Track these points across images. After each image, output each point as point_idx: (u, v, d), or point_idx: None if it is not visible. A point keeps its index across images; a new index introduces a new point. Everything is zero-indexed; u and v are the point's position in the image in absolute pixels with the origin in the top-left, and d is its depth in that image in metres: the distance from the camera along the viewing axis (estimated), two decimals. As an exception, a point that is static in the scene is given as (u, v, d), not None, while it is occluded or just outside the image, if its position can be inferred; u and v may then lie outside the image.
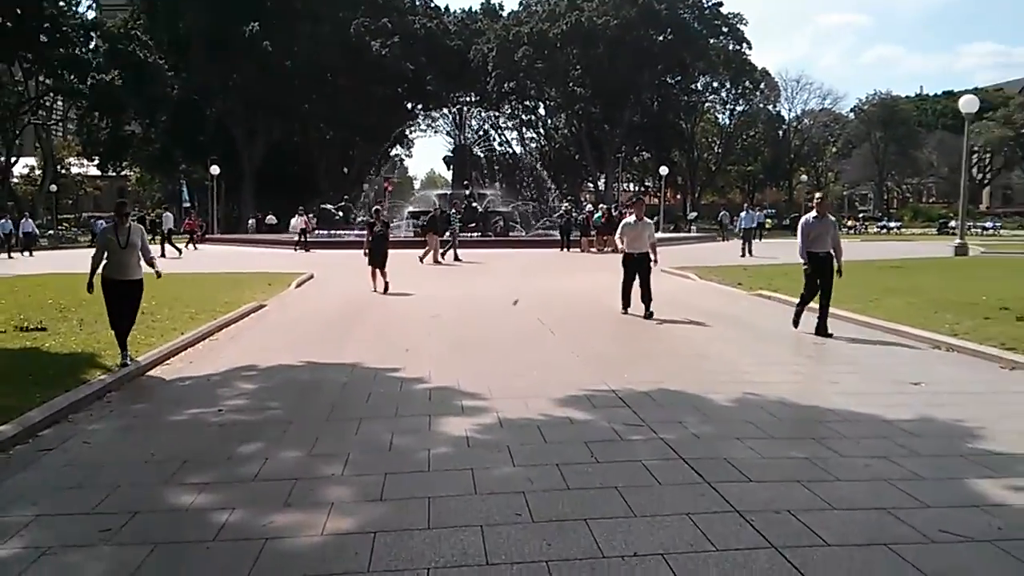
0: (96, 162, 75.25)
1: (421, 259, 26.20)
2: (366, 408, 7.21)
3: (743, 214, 31.33)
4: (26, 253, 36.69)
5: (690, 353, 9.86)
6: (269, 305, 15.43)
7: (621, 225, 13.87)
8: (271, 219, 58.98)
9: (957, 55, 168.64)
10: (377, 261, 17.77)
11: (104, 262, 9.18)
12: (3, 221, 37.71)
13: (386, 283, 17.43)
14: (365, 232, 19.28)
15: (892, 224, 64.81)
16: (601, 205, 33.51)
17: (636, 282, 13.17)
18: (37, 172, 75.66)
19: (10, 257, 34.67)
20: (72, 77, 59.65)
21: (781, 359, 9.53)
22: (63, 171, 79.33)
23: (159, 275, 9.89)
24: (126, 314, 9.29)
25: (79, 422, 6.96)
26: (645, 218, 13.63)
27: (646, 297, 13.01)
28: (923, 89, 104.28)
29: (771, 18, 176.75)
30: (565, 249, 32.39)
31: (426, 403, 7.33)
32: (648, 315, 12.68)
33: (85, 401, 7.50)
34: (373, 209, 21.03)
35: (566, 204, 37.18)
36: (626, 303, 13.35)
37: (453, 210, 29.64)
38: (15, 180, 76.52)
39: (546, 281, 20.32)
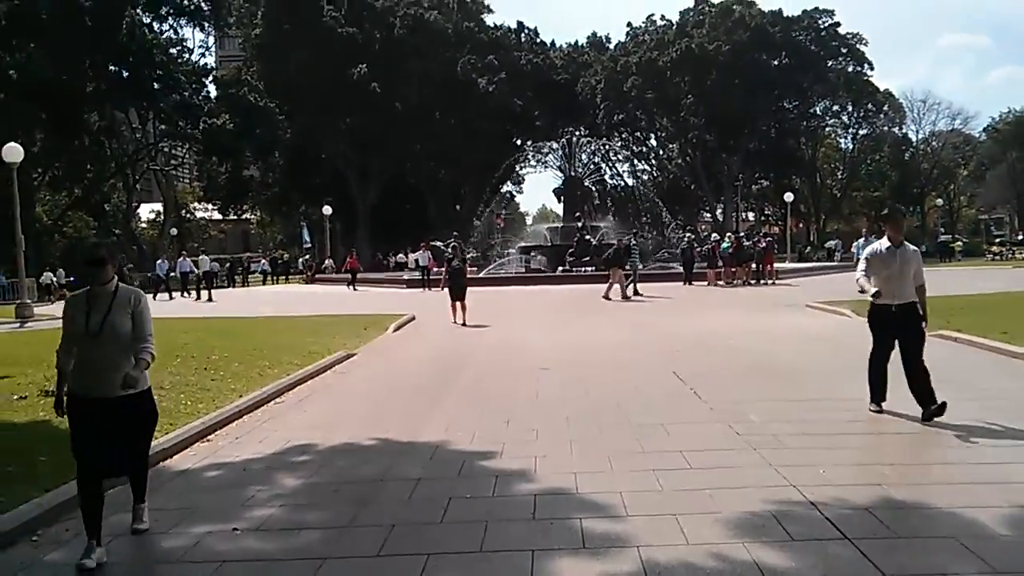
0: (218, 206, 76.60)
1: (606, 295, 24.06)
2: (439, 532, 4.88)
3: (861, 241, 26.23)
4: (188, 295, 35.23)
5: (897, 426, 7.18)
6: (358, 355, 13.44)
7: (867, 254, 8.01)
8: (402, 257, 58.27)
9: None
10: (456, 294, 18.55)
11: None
12: (181, 260, 36.55)
13: (464, 315, 18.15)
14: (444, 268, 20.23)
15: (1041, 249, 59.08)
16: (728, 234, 30.62)
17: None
18: (161, 217, 77.78)
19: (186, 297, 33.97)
20: (184, 122, 60.58)
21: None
22: (187, 215, 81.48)
23: (129, 383, 4.81)
24: (116, 455, 4.92)
25: (43, 543, 4.93)
26: (907, 243, 7.78)
27: (917, 379, 7.23)
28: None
29: (886, 42, 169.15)
30: (689, 283, 29.62)
31: (528, 525, 4.90)
32: (930, 413, 7.07)
33: (70, 506, 5.45)
34: (450, 245, 20.53)
35: (689, 234, 34.41)
36: (881, 392, 7.69)
37: (633, 241, 27.44)
38: (143, 225, 79.07)
39: (674, 321, 17.74)
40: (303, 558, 4.53)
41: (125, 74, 57.98)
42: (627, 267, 25.11)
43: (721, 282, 29.11)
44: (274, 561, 4.54)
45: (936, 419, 7.01)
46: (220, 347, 13.72)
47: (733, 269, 29.17)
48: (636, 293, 25.17)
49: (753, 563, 4.14)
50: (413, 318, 19.68)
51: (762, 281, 29.63)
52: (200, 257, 34.08)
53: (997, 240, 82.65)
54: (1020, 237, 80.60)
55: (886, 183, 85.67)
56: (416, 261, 34.55)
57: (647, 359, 11.79)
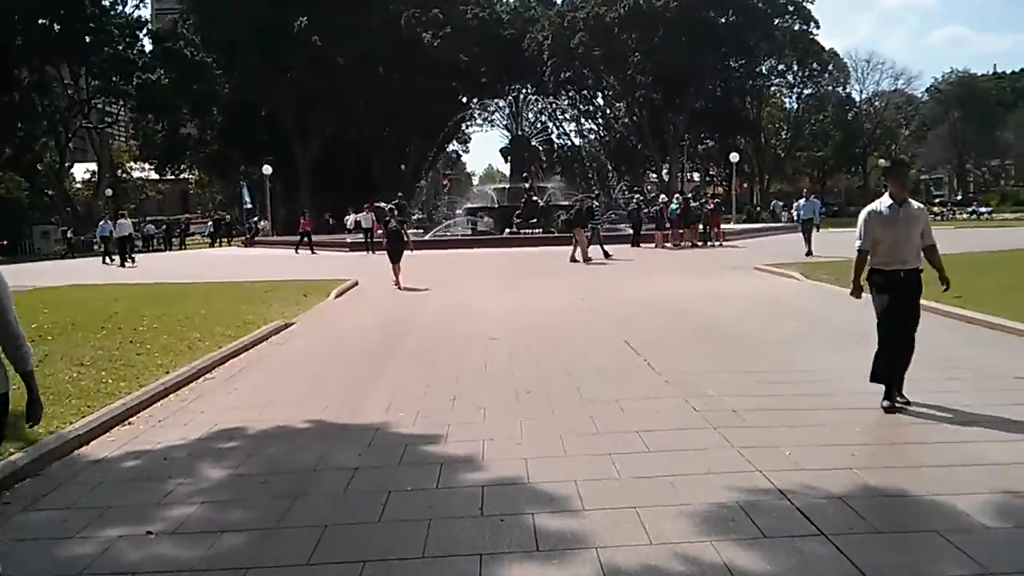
0: (154, 166, 74.26)
1: (572, 258, 23.72)
2: (377, 533, 4.40)
3: (801, 202, 25.87)
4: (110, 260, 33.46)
5: (860, 401, 6.89)
6: (297, 323, 12.84)
7: (864, 215, 6.87)
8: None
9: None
10: (393, 257, 18.66)
11: None
12: (102, 223, 35.35)
13: (399, 278, 18.24)
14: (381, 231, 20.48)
15: (983, 209, 59.90)
16: (676, 195, 30.36)
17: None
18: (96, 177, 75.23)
19: (109, 263, 32.34)
20: (118, 78, 58.31)
21: None
22: (123, 175, 78.88)
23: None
24: None
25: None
26: (912, 201, 6.78)
27: (905, 359, 6.66)
28: (996, 67, 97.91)
29: (831, 1, 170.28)
30: (636, 245, 29.38)
31: (475, 523, 4.44)
32: (894, 405, 6.48)
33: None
34: (387, 207, 20.26)
35: (637, 195, 34.08)
36: (891, 375, 6.64)
37: (595, 202, 27.30)
38: (78, 185, 76.26)
39: (621, 285, 17.44)
40: (224, 568, 4.03)
41: (55, 27, 55.52)
42: (587, 229, 24.62)
43: (669, 244, 28.92)
44: (191, 572, 4.04)
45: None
46: (150, 316, 12.98)
47: (681, 231, 28.97)
48: (606, 256, 24.92)
49: (724, 566, 3.76)
50: (356, 283, 19.08)
51: (709, 243, 29.52)
52: (120, 221, 32.24)
53: (937, 200, 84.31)
54: (959, 197, 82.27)
55: (829, 143, 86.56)
56: (358, 223, 33.48)
57: (597, 325, 11.43)
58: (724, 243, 29.59)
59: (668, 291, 15.52)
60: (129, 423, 7.07)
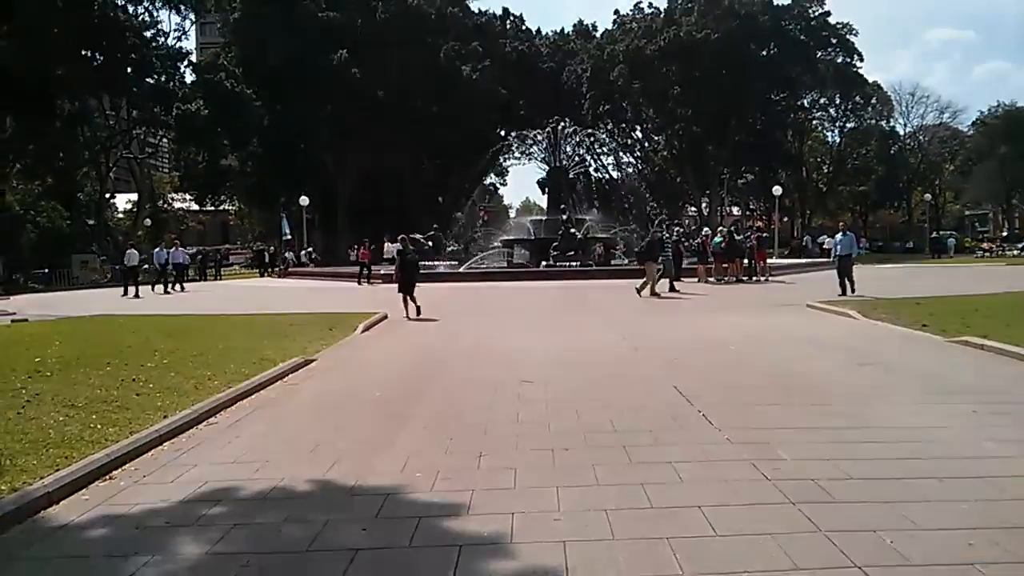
0: (194, 196, 74.66)
1: (639, 290, 22.74)
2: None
3: (839, 236, 22.95)
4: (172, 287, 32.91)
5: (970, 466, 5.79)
6: (317, 361, 11.94)
7: None
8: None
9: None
10: (406, 288, 18.45)
11: None
12: (156, 251, 34.21)
13: (418, 308, 18.10)
14: (396, 260, 20.25)
15: (1032, 246, 58.14)
16: (720, 228, 29.25)
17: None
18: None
19: (166, 291, 31.75)
20: (157, 108, 58.74)
21: None
22: (165, 206, 79.45)
23: None
24: None
25: None
26: None
27: None
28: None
29: (872, 36, 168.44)
30: (678, 279, 28.25)
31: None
32: None
33: None
34: (422, 238, 19.96)
35: (678, 227, 33.02)
36: None
37: (667, 234, 26.15)
38: (119, 215, 76.85)
39: (666, 323, 16.34)
40: None
41: (97, 57, 56.08)
42: (659, 262, 23.64)
43: (712, 278, 27.77)
44: None
45: None
46: (163, 351, 12.22)
47: (724, 265, 27.80)
48: (672, 289, 23.93)
49: None
50: (385, 317, 18.18)
51: (754, 278, 28.30)
52: (129, 251, 31.74)
53: (983, 236, 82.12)
54: (1005, 233, 79.96)
55: (872, 177, 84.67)
56: (395, 252, 32.81)
57: (643, 369, 10.36)
58: (770, 278, 28.37)
59: (718, 330, 14.41)
60: (110, 477, 6.17)
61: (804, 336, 13.30)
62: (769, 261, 30.30)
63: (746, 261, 28.21)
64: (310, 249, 57.20)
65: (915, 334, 13.27)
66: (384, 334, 15.54)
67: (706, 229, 31.05)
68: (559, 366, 10.64)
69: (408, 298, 18.30)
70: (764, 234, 32.05)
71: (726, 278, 27.71)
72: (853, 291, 20.66)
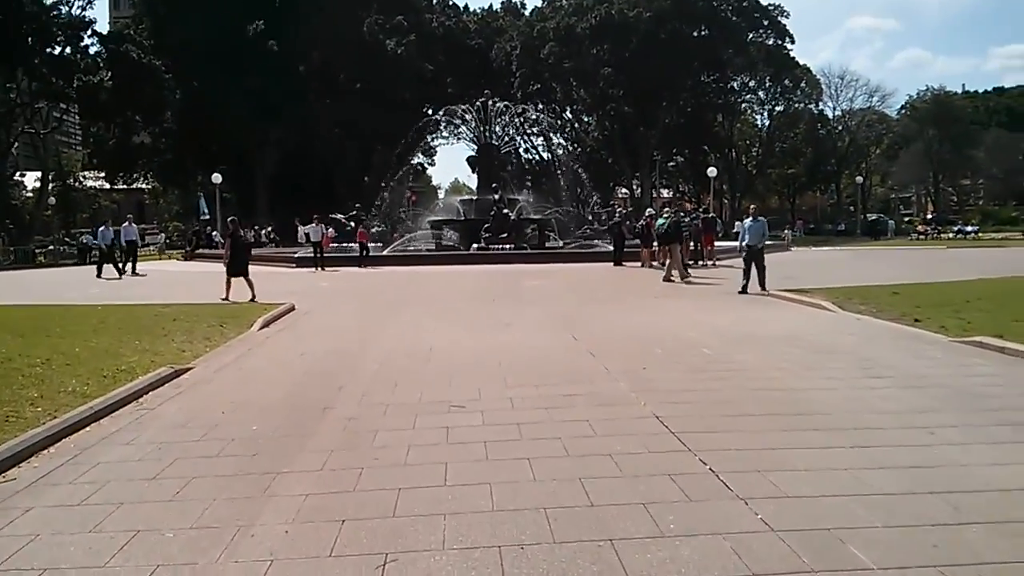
0: (104, 174, 70.00)
1: (666, 277, 20.72)
2: None
3: (748, 222, 18.25)
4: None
5: None
6: (192, 371, 9.47)
7: None
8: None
9: (985, 57, 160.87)
10: (237, 269, 18.02)
11: None
12: (102, 229, 29.91)
13: (253, 290, 17.43)
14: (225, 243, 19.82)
15: (968, 228, 57.77)
16: (665, 209, 27.24)
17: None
18: (51, 186, 70.78)
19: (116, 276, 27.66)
20: (58, 79, 54.29)
21: None
22: (76, 184, 74.54)
23: None
24: None
25: None
26: None
27: None
28: (965, 87, 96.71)
29: (798, 22, 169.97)
30: (620, 264, 26.28)
31: None
32: None
33: None
34: (228, 219, 19.65)
35: (620, 208, 30.99)
36: None
37: (685, 215, 24.43)
38: (28, 194, 71.45)
39: (618, 316, 14.15)
40: None
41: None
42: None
43: (655, 263, 25.79)
44: None
45: None
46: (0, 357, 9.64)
47: (667, 248, 25.79)
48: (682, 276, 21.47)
49: None
50: (292, 308, 15.69)
51: (699, 262, 26.39)
52: (101, 229, 28.67)
53: (909, 218, 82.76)
54: (931, 216, 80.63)
55: (801, 160, 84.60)
56: (307, 235, 29.92)
57: (606, 384, 8.12)
58: (717, 263, 26.54)
59: (681, 327, 12.31)
60: None
61: (784, 334, 11.30)
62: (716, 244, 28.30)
63: (692, 244, 26.28)
64: (269, 228, 53.95)
65: (910, 331, 11.40)
66: (285, 332, 13.02)
67: (649, 210, 29.04)
68: (498, 380, 8.34)
69: (245, 280, 17.72)
70: (711, 215, 30.13)
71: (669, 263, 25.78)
72: (764, 286, 17.05)
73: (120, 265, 28.54)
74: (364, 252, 30.19)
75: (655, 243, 25.43)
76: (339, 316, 15.20)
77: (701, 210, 27.81)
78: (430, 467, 5.46)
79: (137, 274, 27.92)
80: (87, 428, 6.86)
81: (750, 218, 18.25)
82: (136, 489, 5.27)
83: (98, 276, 27.17)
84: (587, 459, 5.54)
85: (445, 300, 17.60)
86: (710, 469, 5.27)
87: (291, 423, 6.85)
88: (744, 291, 16.96)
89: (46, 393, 7.82)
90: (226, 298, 17.20)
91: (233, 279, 17.78)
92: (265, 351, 11.01)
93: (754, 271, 17.27)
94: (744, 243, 17.73)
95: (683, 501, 4.70)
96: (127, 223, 29.48)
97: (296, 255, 31.79)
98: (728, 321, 12.91)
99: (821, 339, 10.85)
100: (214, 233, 49.29)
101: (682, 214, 26.40)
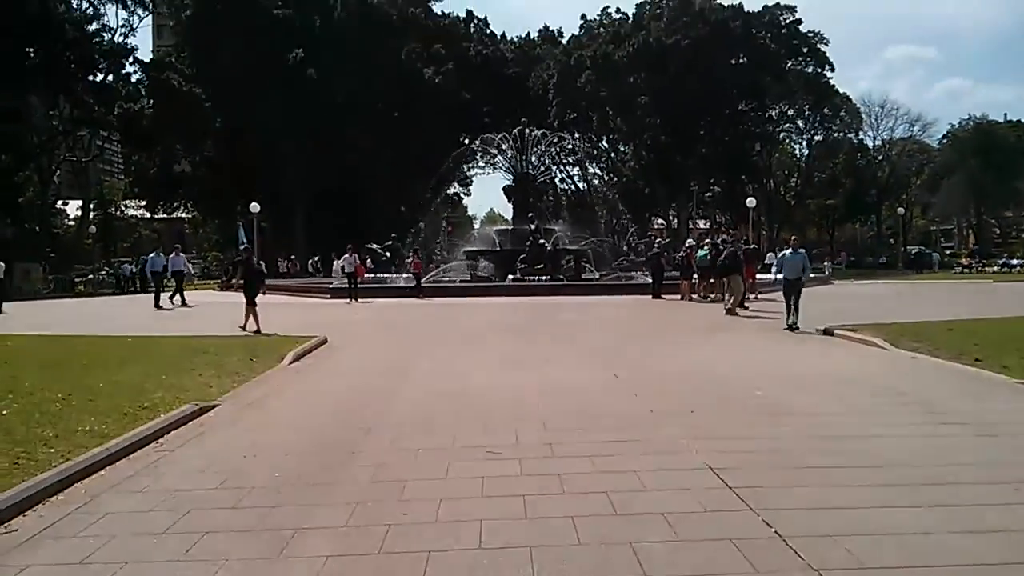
0: (145, 203, 70.64)
1: (729, 310, 19.98)
2: None
3: (787, 253, 16.99)
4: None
5: None
6: (217, 408, 9.09)
7: None
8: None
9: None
10: (249, 297, 17.70)
11: None
12: (152, 256, 29.29)
13: (257, 323, 17.22)
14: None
15: (1014, 261, 56.27)
16: (706, 240, 26.62)
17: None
18: (92, 215, 71.69)
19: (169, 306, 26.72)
20: (99, 107, 55.00)
21: None
22: (118, 213, 75.42)
23: None
24: None
25: None
26: None
27: None
28: (1007, 116, 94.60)
29: (836, 52, 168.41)
30: (658, 296, 25.66)
31: None
32: None
33: None
34: (242, 248, 20.58)
35: (659, 239, 30.43)
36: None
37: (743, 246, 23.77)
38: (70, 223, 72.43)
39: (665, 355, 13.47)
40: None
41: (32, 50, 52.29)
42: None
43: (695, 295, 25.17)
44: None
45: None
46: (20, 392, 9.37)
47: (711, 280, 25.19)
48: (742, 307, 20.92)
49: None
50: (324, 341, 15.31)
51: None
52: (152, 256, 28.66)
53: (950, 251, 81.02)
54: (974, 247, 78.88)
55: (840, 191, 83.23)
56: (342, 268, 29.18)
57: (653, 428, 7.59)
58: (759, 296, 25.82)
59: (727, 364, 11.75)
60: None
61: (838, 374, 10.70)
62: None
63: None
64: (316, 258, 54.04)
65: (970, 371, 10.72)
66: (316, 367, 12.62)
67: (689, 240, 28.41)
68: (536, 423, 7.84)
69: (252, 312, 17.45)
70: (752, 246, 29.38)
71: (713, 295, 25.13)
72: (796, 325, 16.02)
73: (168, 296, 27.63)
74: (419, 282, 29.57)
75: (695, 275, 24.86)
76: (372, 350, 14.80)
77: (742, 241, 26.96)
78: (464, 525, 4.97)
79: (186, 305, 26.98)
80: (101, 472, 6.47)
81: (789, 249, 16.97)
82: (143, 545, 4.84)
83: (156, 307, 26.18)
84: (638, 519, 5.02)
85: (480, 334, 17.12)
86: (776, 532, 4.72)
87: (316, 469, 6.41)
88: (792, 328, 16.00)
89: (62, 432, 7.46)
90: (247, 328, 17.25)
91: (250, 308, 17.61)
92: (294, 387, 10.61)
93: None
94: (781, 276, 16.61)
95: (749, 574, 4.16)
96: (175, 253, 28.68)
97: (331, 286, 31.53)
98: (777, 359, 12.31)
99: (878, 380, 10.21)
100: (310, 261, 49.31)
101: (730, 244, 25.74)
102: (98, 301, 35.79)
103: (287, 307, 26.00)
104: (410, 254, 34.00)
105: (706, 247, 24.60)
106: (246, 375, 11.40)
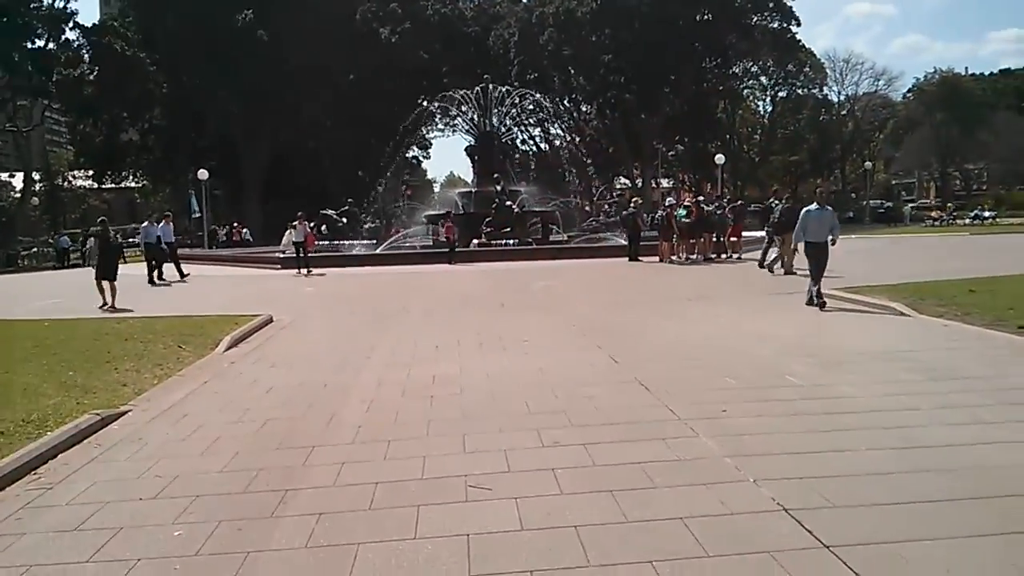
0: (91, 173, 67.47)
1: (769, 267, 18.69)
2: None
3: (812, 209, 13.39)
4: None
5: None
6: (123, 420, 7.27)
7: None
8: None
9: (984, 41, 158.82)
10: (104, 273, 16.64)
11: None
12: (145, 226, 25.05)
13: (113, 297, 16.39)
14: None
15: (986, 214, 55.32)
16: (686, 197, 25.01)
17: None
18: (39, 186, 68.34)
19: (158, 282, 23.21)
20: (36, 73, 51.82)
21: None
22: (65, 183, 72.13)
23: None
24: None
25: None
26: None
27: None
28: (968, 70, 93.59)
29: (797, 9, 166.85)
30: (635, 259, 23.97)
31: None
32: None
33: None
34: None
35: (635, 198, 28.72)
36: None
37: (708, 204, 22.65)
38: (15, 195, 68.97)
39: (656, 326, 11.75)
40: None
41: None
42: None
43: (675, 257, 23.55)
44: None
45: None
46: None
47: (692, 241, 23.55)
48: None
49: None
50: (269, 321, 13.42)
51: (722, 255, 24.09)
52: (144, 225, 24.74)
53: (911, 204, 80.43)
54: (930, 201, 78.47)
55: (804, 147, 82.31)
56: (292, 239, 26.38)
57: (681, 438, 5.86)
58: (743, 255, 24.24)
59: (740, 340, 10.10)
60: None
61: (873, 350, 9.09)
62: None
63: (716, 237, 23.99)
64: (245, 230, 51.67)
65: (1021, 342, 9.21)
66: (254, 354, 10.71)
67: (669, 199, 26.73)
68: (528, 435, 6.07)
69: (106, 285, 16.53)
70: (739, 203, 27.56)
71: (693, 256, 23.53)
72: (816, 300, 12.90)
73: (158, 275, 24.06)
74: (452, 248, 27.22)
75: (675, 235, 23.24)
76: (322, 331, 12.89)
77: (728, 199, 25.22)
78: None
79: (157, 283, 23.32)
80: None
81: (813, 205, 13.53)
82: None
83: (150, 282, 22.96)
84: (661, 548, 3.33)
85: (446, 308, 15.22)
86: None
87: (232, 525, 4.60)
88: (814, 301, 12.93)
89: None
90: (107, 305, 16.24)
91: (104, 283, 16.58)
92: (223, 386, 8.70)
93: None
94: (803, 238, 13.53)
95: None
96: (164, 222, 25.02)
97: (279, 255, 29.38)
98: (793, 332, 10.67)
99: (923, 356, 8.60)
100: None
101: (702, 202, 24.12)
102: (36, 276, 33.34)
103: (231, 280, 23.88)
104: (342, 220, 32.25)
105: (684, 206, 22.96)
106: (170, 367, 9.56)
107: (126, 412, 7.50)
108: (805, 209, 13.40)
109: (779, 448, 5.53)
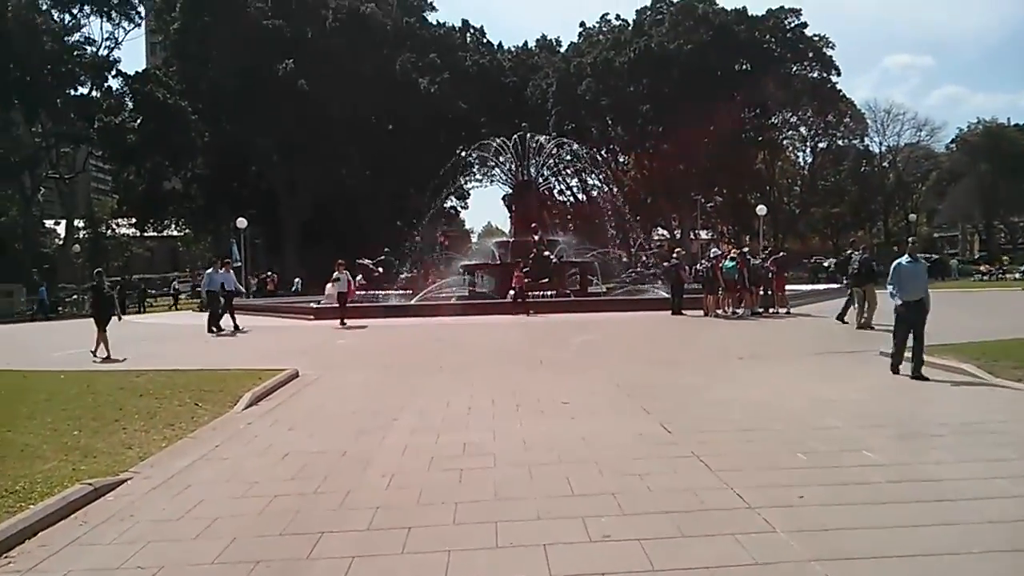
0: (133, 221, 68.14)
1: (865, 324, 17.54)
2: None
3: (903, 262, 11.44)
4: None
5: None
6: (120, 491, 6.58)
7: None
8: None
9: (1021, 93, 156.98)
10: (101, 323, 16.82)
11: None
12: (208, 272, 24.25)
13: (107, 349, 16.43)
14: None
15: (1034, 267, 53.70)
16: (732, 249, 24.12)
17: None
18: (83, 234, 69.19)
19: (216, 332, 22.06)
20: (78, 120, 52.57)
21: None
22: (108, 231, 73.02)
23: None
24: None
25: None
26: None
27: None
28: (1010, 120, 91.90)
29: (836, 60, 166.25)
30: (679, 312, 22.98)
31: None
32: None
33: None
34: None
35: (679, 249, 27.87)
36: None
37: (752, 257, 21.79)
38: (59, 242, 69.75)
39: (708, 389, 10.74)
40: None
41: (10, 67, 49.94)
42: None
43: (720, 311, 22.57)
44: None
45: None
46: None
47: (738, 295, 22.55)
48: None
49: None
50: (294, 375, 12.71)
51: (770, 309, 23.05)
52: (209, 271, 23.98)
53: (955, 258, 78.42)
54: (976, 256, 76.41)
55: (845, 198, 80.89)
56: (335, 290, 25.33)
57: (754, 533, 4.97)
58: (791, 310, 23.19)
59: (804, 406, 9.16)
60: None
61: (953, 421, 8.13)
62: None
63: (763, 291, 22.98)
64: (298, 281, 51.50)
65: None
66: (275, 413, 9.97)
67: (715, 250, 25.84)
68: (572, 524, 5.24)
69: (99, 335, 16.65)
70: (781, 254, 26.59)
71: (740, 310, 22.53)
72: (921, 362, 11.21)
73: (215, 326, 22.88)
74: (522, 299, 26.22)
75: (721, 288, 22.30)
76: (350, 387, 12.11)
77: (773, 250, 24.31)
78: None
79: (239, 330, 22.73)
80: None
81: (905, 257, 11.67)
82: None
83: (209, 331, 22.11)
84: None
85: (480, 364, 14.36)
86: None
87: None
88: (897, 369, 11.51)
89: None
90: (98, 354, 16.36)
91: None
92: (235, 451, 7.95)
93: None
94: (897, 297, 11.43)
95: None
96: (225, 268, 24.00)
97: (315, 305, 28.74)
98: (858, 397, 9.73)
99: (1014, 429, 7.64)
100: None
101: (746, 254, 23.19)
102: (68, 324, 33.05)
103: (261, 331, 23.14)
104: (379, 270, 31.86)
105: (730, 258, 22.06)
106: (182, 428, 8.87)
107: (125, 480, 6.80)
108: (896, 262, 11.58)
109: (872, 548, 4.62)
